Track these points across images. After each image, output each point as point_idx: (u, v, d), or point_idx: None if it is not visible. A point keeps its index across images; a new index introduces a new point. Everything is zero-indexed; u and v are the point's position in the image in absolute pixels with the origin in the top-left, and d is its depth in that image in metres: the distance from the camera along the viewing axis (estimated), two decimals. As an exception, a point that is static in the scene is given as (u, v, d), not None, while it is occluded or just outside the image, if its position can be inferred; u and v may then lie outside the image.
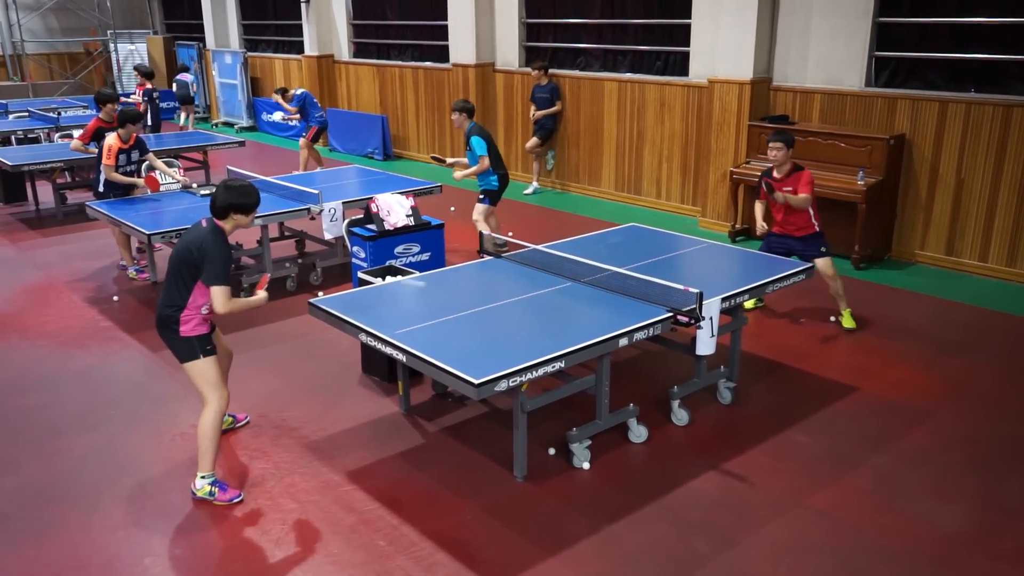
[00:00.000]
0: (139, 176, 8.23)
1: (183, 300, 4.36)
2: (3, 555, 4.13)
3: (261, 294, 4.59)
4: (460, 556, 4.05)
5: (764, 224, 6.67)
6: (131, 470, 4.85)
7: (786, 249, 6.51)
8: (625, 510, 4.39)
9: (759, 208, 6.81)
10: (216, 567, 4.03)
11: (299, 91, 12.47)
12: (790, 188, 6.47)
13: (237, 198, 4.40)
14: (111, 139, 7.90)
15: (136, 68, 14.88)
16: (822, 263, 6.53)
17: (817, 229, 6.58)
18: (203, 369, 4.45)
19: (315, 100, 12.64)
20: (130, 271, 8.21)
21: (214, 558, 4.09)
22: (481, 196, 8.41)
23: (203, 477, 4.50)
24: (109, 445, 5.13)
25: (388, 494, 4.56)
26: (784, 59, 9.04)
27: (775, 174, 6.58)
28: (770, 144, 6.53)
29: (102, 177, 8.06)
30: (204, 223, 4.42)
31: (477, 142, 8.07)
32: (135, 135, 8.05)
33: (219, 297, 4.30)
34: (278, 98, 12.44)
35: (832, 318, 6.88)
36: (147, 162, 8.31)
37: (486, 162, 8.11)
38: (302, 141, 12.35)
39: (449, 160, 8.65)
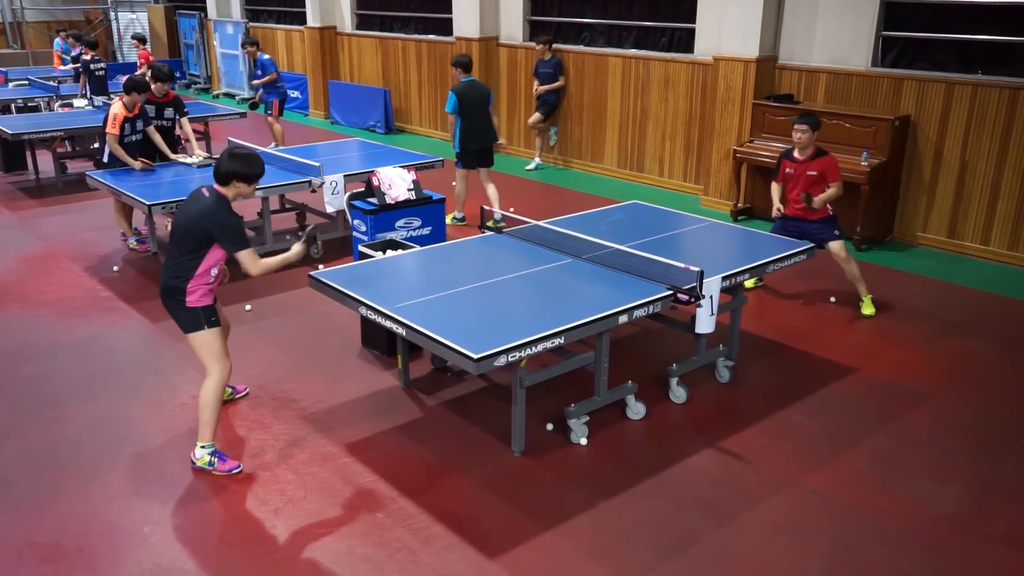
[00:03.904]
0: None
1: (191, 271, 4.35)
2: (3, 521, 4.15)
3: (296, 247, 4.60)
4: (457, 529, 4.08)
5: (781, 206, 6.56)
6: (131, 439, 4.87)
7: (799, 232, 6.42)
8: (622, 486, 4.41)
9: (776, 190, 6.63)
10: (215, 536, 4.05)
11: (266, 56, 11.81)
12: (815, 171, 6.41)
13: (242, 167, 4.36)
14: (116, 108, 7.85)
15: (77, 37, 13.69)
16: (836, 246, 6.50)
17: (831, 212, 6.54)
18: (207, 340, 4.45)
19: (278, 69, 11.98)
20: (131, 241, 8.20)
21: (213, 527, 4.12)
22: (456, 161, 8.57)
23: (203, 447, 4.52)
24: (109, 414, 5.15)
25: (386, 467, 4.58)
26: (790, 38, 8.98)
27: (797, 155, 6.49)
28: (796, 126, 6.40)
29: (107, 148, 8.03)
30: (205, 192, 4.39)
31: (449, 96, 8.21)
32: (139, 105, 8.01)
33: (248, 261, 4.34)
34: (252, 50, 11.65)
35: (832, 299, 6.88)
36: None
37: (450, 118, 8.28)
38: (270, 119, 11.85)
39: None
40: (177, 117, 8.59)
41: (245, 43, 12.23)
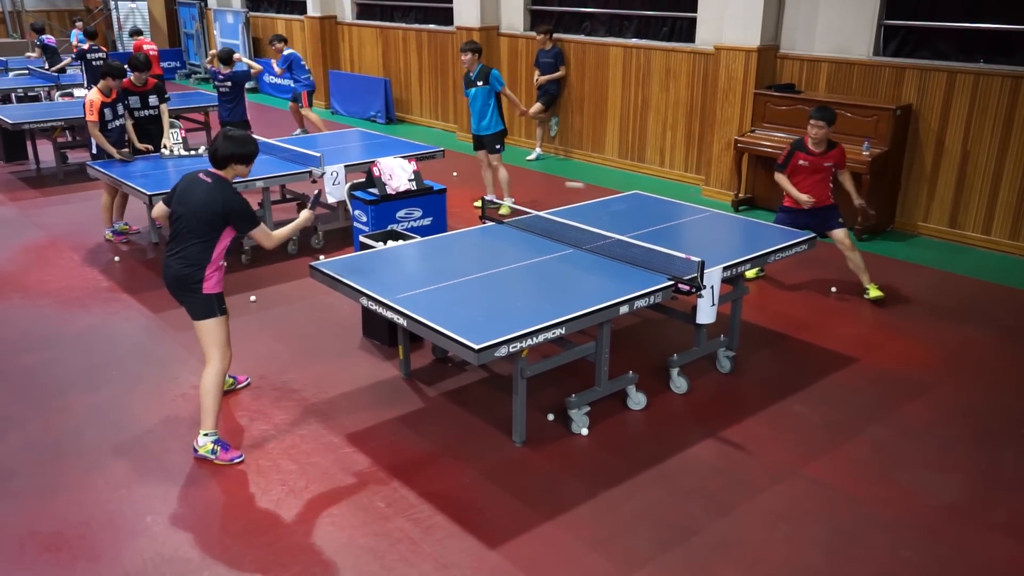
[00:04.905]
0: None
1: (207, 258, 4.37)
2: (6, 511, 4.17)
3: (304, 213, 4.80)
4: (458, 518, 4.09)
5: (806, 196, 6.42)
6: (132, 429, 4.88)
7: (804, 225, 6.42)
8: (622, 476, 4.42)
9: (785, 180, 6.56)
10: (217, 526, 4.07)
11: (288, 52, 12.20)
12: (831, 163, 6.48)
13: (238, 148, 4.40)
14: (92, 95, 7.81)
15: (84, 31, 13.61)
16: (840, 233, 6.50)
17: (832, 200, 6.56)
18: (215, 328, 4.47)
19: (303, 63, 12.29)
20: (107, 232, 8.14)
21: (215, 517, 4.13)
22: (498, 145, 8.67)
23: (205, 435, 4.53)
24: (110, 404, 5.16)
25: (388, 457, 4.59)
26: (792, 27, 8.94)
27: (812, 148, 6.48)
28: (813, 122, 6.37)
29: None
30: (205, 177, 4.39)
31: (498, 74, 8.46)
32: (116, 90, 7.96)
33: (262, 236, 4.51)
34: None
35: (833, 289, 6.88)
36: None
37: (511, 94, 8.58)
38: (303, 110, 12.26)
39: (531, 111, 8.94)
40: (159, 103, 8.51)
41: (272, 41, 12.26)
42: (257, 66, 10.92)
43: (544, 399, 5.11)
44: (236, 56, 10.34)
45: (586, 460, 4.59)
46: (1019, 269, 7.40)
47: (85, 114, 7.83)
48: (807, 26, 8.81)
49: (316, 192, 4.96)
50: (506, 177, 8.75)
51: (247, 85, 10.49)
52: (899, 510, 4.16)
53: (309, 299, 6.72)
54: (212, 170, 4.42)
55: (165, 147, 8.32)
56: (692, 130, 10.11)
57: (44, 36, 14.57)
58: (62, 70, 13.35)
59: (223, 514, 4.16)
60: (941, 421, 4.98)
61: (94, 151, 8.09)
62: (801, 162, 6.49)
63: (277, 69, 12.18)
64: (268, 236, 4.55)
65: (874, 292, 6.62)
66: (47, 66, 13.96)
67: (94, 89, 7.87)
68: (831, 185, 6.56)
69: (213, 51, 10.78)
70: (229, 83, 10.14)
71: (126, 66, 8.16)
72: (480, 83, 8.44)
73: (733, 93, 9.19)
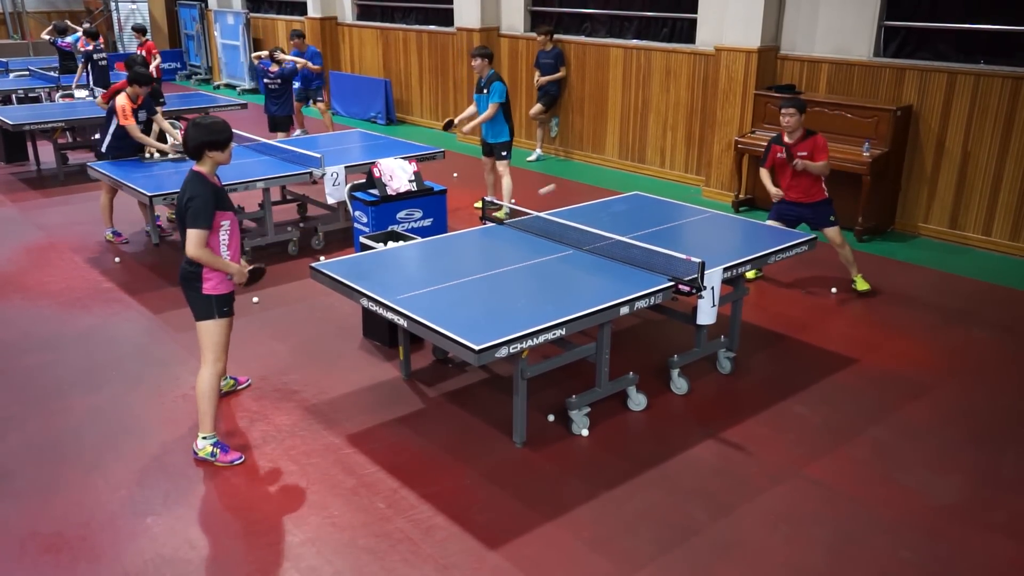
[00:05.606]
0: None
1: None
2: (6, 511, 4.17)
3: (242, 270, 4.43)
4: (458, 519, 4.09)
5: (778, 190, 6.61)
6: (133, 430, 4.89)
7: (796, 216, 6.52)
8: (623, 477, 4.42)
9: (766, 176, 6.74)
10: (217, 527, 4.07)
11: (311, 47, 12.25)
12: (805, 153, 6.47)
13: (208, 135, 4.29)
14: (122, 100, 7.85)
15: (85, 31, 13.33)
16: (832, 231, 6.55)
17: (826, 195, 6.58)
18: (214, 330, 4.46)
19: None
20: (107, 233, 8.16)
21: (215, 519, 4.13)
22: (504, 152, 8.59)
23: (205, 438, 4.53)
24: (111, 405, 5.16)
25: (388, 458, 4.59)
26: (792, 27, 8.94)
27: (787, 139, 6.55)
28: (783, 110, 6.48)
29: (107, 140, 8.02)
30: (188, 175, 4.39)
31: (500, 87, 8.28)
32: (142, 96, 7.99)
33: (191, 238, 4.20)
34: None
35: (833, 289, 6.88)
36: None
37: (495, 110, 8.27)
38: (321, 106, 12.26)
39: (458, 120, 8.74)
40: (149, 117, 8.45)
41: (293, 36, 12.22)
42: (301, 60, 11.12)
43: (544, 400, 5.11)
44: (280, 56, 10.66)
45: (586, 461, 4.59)
46: (1019, 269, 7.41)
47: (118, 118, 7.84)
48: (807, 27, 8.82)
49: (262, 266, 4.58)
50: (509, 186, 8.63)
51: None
52: (900, 511, 4.16)
53: (310, 300, 6.72)
54: (194, 166, 4.39)
55: (148, 153, 8.30)
56: (692, 131, 10.12)
57: (59, 39, 14.49)
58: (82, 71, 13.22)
59: (223, 515, 4.16)
60: (941, 422, 4.98)
61: (103, 150, 8.10)
62: (780, 155, 6.55)
63: (313, 68, 11.88)
64: (198, 246, 4.21)
65: (861, 285, 6.73)
66: (58, 69, 13.95)
67: (123, 95, 7.89)
68: (821, 178, 6.57)
69: (264, 51, 11.06)
70: (279, 80, 10.60)
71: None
72: (487, 91, 8.35)
73: (733, 94, 9.19)
